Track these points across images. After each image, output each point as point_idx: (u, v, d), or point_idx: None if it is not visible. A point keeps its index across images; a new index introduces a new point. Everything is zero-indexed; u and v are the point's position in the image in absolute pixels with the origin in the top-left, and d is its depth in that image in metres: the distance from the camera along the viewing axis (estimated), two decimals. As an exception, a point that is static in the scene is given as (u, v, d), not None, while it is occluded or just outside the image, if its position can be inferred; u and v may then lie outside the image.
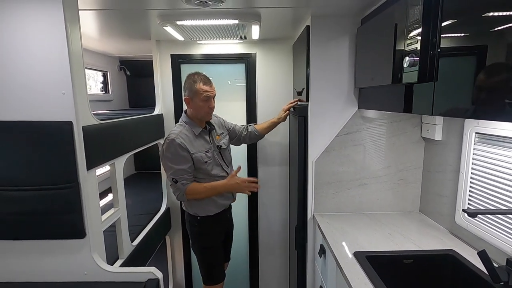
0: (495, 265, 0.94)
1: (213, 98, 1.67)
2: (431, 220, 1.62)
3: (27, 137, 1.17)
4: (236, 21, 1.57)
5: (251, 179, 1.71)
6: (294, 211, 2.04)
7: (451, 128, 1.45)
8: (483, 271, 1.12)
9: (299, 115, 1.77)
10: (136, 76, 3.33)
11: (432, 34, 0.94)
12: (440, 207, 1.55)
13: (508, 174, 1.13)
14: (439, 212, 1.57)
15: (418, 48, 0.97)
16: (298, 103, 1.91)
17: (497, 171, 1.18)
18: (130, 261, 1.66)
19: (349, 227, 1.58)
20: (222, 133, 1.87)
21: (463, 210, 1.01)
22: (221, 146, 1.79)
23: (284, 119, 2.00)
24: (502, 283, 1.00)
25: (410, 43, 1.02)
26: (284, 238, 2.55)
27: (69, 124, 1.16)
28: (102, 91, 3.01)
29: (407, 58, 1.01)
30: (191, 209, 1.73)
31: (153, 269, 1.30)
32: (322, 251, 1.57)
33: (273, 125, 2.01)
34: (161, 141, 2.31)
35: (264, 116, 2.38)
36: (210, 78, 1.67)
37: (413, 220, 1.64)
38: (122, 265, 1.57)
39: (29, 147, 1.17)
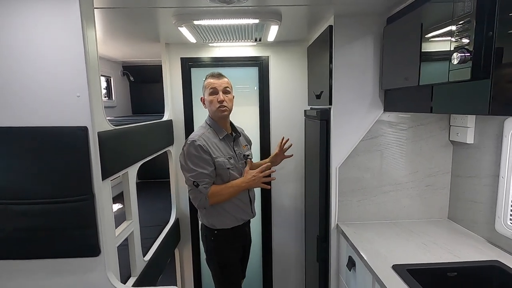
0: None
1: (223, 91, 1.55)
2: (463, 228, 1.54)
3: (37, 145, 1.05)
4: (257, 21, 1.49)
5: (264, 166, 1.56)
6: (313, 221, 1.94)
7: (485, 131, 1.38)
8: (537, 284, 1.04)
9: (320, 119, 1.69)
10: (139, 82, 3.23)
11: (487, 27, 0.87)
12: (474, 214, 1.47)
13: (560, 178, 1.06)
14: (473, 219, 1.48)
15: (471, 43, 0.90)
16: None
17: (545, 175, 1.11)
18: (143, 278, 1.54)
19: (378, 237, 1.48)
20: (247, 145, 1.77)
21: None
22: (248, 155, 1.69)
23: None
24: None
25: (459, 38, 0.94)
26: (300, 250, 2.43)
27: (84, 130, 1.06)
28: (105, 97, 2.89)
29: (456, 54, 0.94)
30: (208, 219, 1.59)
31: (174, 288, 1.18)
32: (352, 264, 1.46)
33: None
34: (171, 149, 2.20)
35: (277, 121, 2.29)
36: (222, 74, 1.60)
37: (443, 228, 1.56)
38: (135, 284, 1.45)
39: (40, 155, 1.06)
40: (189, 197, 1.56)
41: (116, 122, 1.80)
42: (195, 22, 1.50)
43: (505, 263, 1.18)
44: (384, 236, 1.48)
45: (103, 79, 2.81)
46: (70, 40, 1.04)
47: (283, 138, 1.87)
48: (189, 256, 2.40)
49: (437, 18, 1.05)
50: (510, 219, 1.25)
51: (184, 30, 1.66)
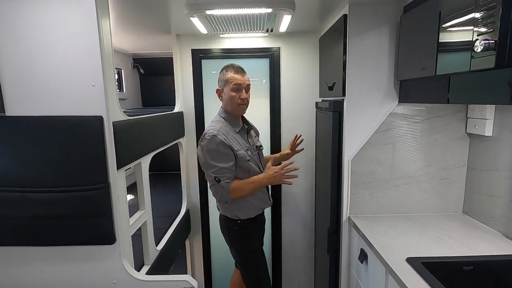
0: None
1: (246, 89, 1.54)
2: (479, 222, 1.51)
3: (53, 134, 1.07)
4: (270, 10, 1.47)
5: (287, 162, 1.55)
6: (324, 213, 1.93)
7: (506, 123, 1.34)
8: (557, 279, 1.01)
9: (333, 111, 1.67)
10: (149, 74, 3.24)
11: (515, 12, 0.83)
12: (491, 208, 1.44)
13: None
14: (489, 213, 1.45)
15: (496, 29, 0.86)
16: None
17: None
18: (156, 267, 1.56)
19: (392, 230, 1.46)
20: (256, 136, 1.78)
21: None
22: (260, 146, 1.70)
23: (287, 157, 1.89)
24: None
25: (483, 25, 0.91)
26: (310, 242, 2.44)
27: (99, 119, 1.07)
28: (117, 89, 2.91)
29: (480, 41, 0.90)
30: (231, 211, 1.59)
31: (187, 277, 1.20)
32: (364, 256, 1.45)
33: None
34: (182, 140, 2.21)
35: (288, 113, 2.28)
36: (244, 69, 1.57)
37: (459, 222, 1.53)
38: (148, 272, 1.47)
39: (56, 144, 1.07)
40: (208, 189, 1.58)
41: (128, 113, 1.82)
42: (207, 12, 1.48)
43: (523, 258, 1.15)
44: (397, 229, 1.47)
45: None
46: (85, 30, 1.04)
47: (296, 136, 1.87)
48: (199, 247, 2.43)
49: (459, 5, 1.01)
50: (530, 213, 1.22)
51: (195, 21, 1.65)
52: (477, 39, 0.92)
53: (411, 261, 1.16)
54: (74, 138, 1.08)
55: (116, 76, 2.86)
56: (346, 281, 1.75)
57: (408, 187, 1.64)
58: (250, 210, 1.60)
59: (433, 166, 1.62)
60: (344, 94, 1.59)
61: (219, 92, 1.58)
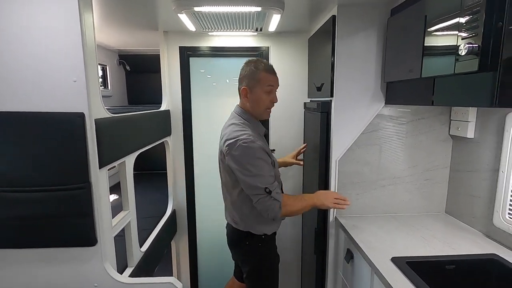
0: None
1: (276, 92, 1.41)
2: (461, 222, 1.55)
3: (33, 131, 1.02)
4: (259, 9, 1.46)
5: (343, 197, 1.42)
6: (311, 214, 1.94)
7: (487, 125, 1.38)
8: (534, 277, 1.05)
9: (321, 111, 1.67)
10: (136, 71, 3.17)
11: (497, 18, 0.86)
12: (472, 208, 1.48)
13: (561, 173, 1.06)
14: (471, 213, 1.49)
15: (479, 34, 0.88)
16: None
17: (546, 169, 1.11)
18: (140, 269, 1.52)
19: (378, 230, 1.48)
20: None
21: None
22: (273, 150, 1.66)
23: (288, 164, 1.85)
24: None
25: (467, 28, 0.93)
26: (297, 243, 2.44)
27: (80, 116, 1.03)
28: (101, 86, 2.83)
29: (464, 45, 0.92)
30: (256, 228, 1.42)
31: (172, 279, 1.17)
32: (350, 256, 1.46)
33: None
34: (168, 139, 2.17)
35: (276, 113, 2.26)
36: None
37: (442, 222, 1.56)
38: (132, 274, 1.43)
39: (35, 141, 1.02)
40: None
41: (113, 111, 1.77)
42: (196, 9, 1.46)
43: (502, 257, 1.18)
44: (382, 229, 1.48)
45: (99, 67, 2.75)
46: (67, 24, 1.00)
47: (304, 145, 1.87)
48: (185, 248, 2.39)
49: (444, 9, 1.03)
50: (509, 213, 1.26)
51: (183, 17, 1.62)
52: (461, 43, 0.94)
53: (396, 260, 1.18)
54: (54, 135, 1.03)
55: (101, 73, 2.78)
56: (333, 281, 1.76)
57: (394, 187, 1.67)
58: (275, 224, 1.48)
59: (417, 167, 1.65)
60: (332, 95, 1.60)
61: (245, 92, 1.37)
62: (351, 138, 1.62)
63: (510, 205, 1.25)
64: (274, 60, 2.20)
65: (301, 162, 1.89)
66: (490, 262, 1.19)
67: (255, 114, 1.41)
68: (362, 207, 1.67)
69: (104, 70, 2.82)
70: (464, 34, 0.94)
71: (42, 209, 1.04)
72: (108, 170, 1.20)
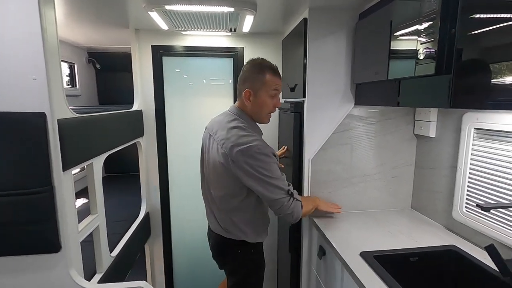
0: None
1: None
2: (425, 217, 1.64)
3: (-13, 131, 0.95)
4: (231, 9, 1.46)
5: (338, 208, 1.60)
6: (286, 212, 1.96)
7: (446, 125, 1.47)
8: (486, 265, 1.13)
9: (294, 112, 1.71)
10: (106, 70, 3.05)
11: (451, 26, 0.92)
12: (434, 203, 1.57)
13: (507, 168, 1.15)
14: (433, 208, 1.58)
15: (435, 39, 0.94)
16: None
17: (496, 165, 1.21)
18: (110, 275, 1.47)
19: (348, 226, 1.53)
20: None
21: (477, 205, 1.00)
22: None
23: None
24: (510, 276, 1.01)
25: (425, 34, 0.99)
26: (273, 241, 2.46)
27: (42, 116, 0.97)
28: (68, 85, 2.70)
29: (422, 49, 0.98)
30: (251, 236, 1.37)
31: (143, 283, 1.14)
32: (322, 253, 1.50)
33: None
34: (141, 140, 2.11)
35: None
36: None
37: (408, 217, 1.65)
38: (101, 280, 1.38)
39: (-10, 143, 0.95)
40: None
41: (80, 111, 1.69)
42: (167, 7, 1.43)
43: (460, 248, 1.27)
44: (353, 226, 1.54)
45: (65, 65, 2.62)
46: (25, 19, 0.94)
47: (284, 148, 1.86)
48: (160, 251, 2.34)
49: (406, 16, 1.09)
50: (466, 207, 1.35)
51: (155, 15, 1.59)
52: (420, 48, 1.00)
53: (364, 255, 1.23)
54: (12, 136, 0.97)
55: (68, 71, 2.65)
56: (307, 277, 1.80)
57: (364, 185, 1.74)
58: (265, 230, 1.46)
59: (385, 165, 1.73)
60: (304, 96, 1.64)
61: (248, 95, 1.29)
62: (323, 138, 1.66)
63: (467, 199, 1.35)
64: (249, 60, 2.21)
65: (282, 165, 1.86)
66: (449, 253, 1.27)
67: (255, 117, 1.35)
68: (334, 205, 1.72)
69: (71, 68, 2.69)
70: (422, 40, 1.00)
71: (2, 215, 0.97)
72: (78, 172, 1.15)
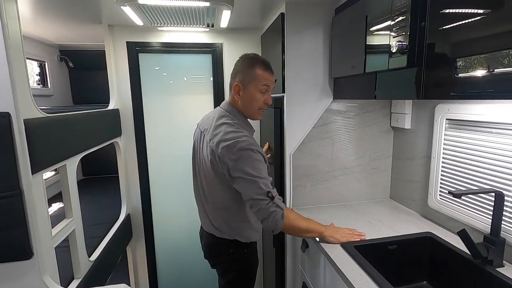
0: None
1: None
2: (403, 206, 1.69)
3: None
4: (207, 4, 1.43)
5: (358, 232, 1.34)
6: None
7: (420, 117, 1.52)
8: (460, 249, 1.19)
9: (274, 107, 1.71)
10: (80, 68, 2.93)
11: (421, 20, 0.95)
12: (411, 193, 1.63)
13: (477, 156, 1.21)
14: (410, 197, 1.64)
15: (407, 33, 0.97)
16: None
17: (466, 154, 1.26)
18: (89, 280, 1.42)
19: (330, 218, 1.56)
20: None
21: (449, 192, 1.04)
22: None
23: None
24: (481, 258, 1.07)
25: (398, 27, 1.01)
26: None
27: (5, 116, 0.92)
28: (39, 84, 2.57)
29: (395, 42, 1.00)
30: (244, 235, 1.33)
31: (123, 286, 1.11)
32: (306, 246, 1.52)
33: None
34: (118, 140, 2.05)
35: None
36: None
37: (387, 207, 1.70)
38: (79, 286, 1.33)
39: None
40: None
41: (51, 111, 1.61)
42: (140, 1, 1.39)
43: (436, 234, 1.32)
44: (335, 218, 1.56)
45: (35, 64, 2.49)
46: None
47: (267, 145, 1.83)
48: (142, 253, 2.29)
49: (378, 12, 1.11)
50: (440, 195, 1.41)
51: (128, 10, 1.53)
52: (393, 41, 1.02)
53: (345, 246, 1.25)
54: (-27, 139, 0.91)
55: (38, 70, 2.52)
56: (292, 271, 1.82)
57: (345, 177, 1.77)
58: (259, 230, 1.41)
59: (364, 157, 1.77)
60: (284, 91, 1.64)
61: (238, 89, 1.25)
62: (303, 132, 1.68)
63: (440, 187, 1.40)
64: (228, 57, 2.19)
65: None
66: (425, 240, 1.32)
67: (246, 113, 1.30)
68: (315, 198, 1.75)
69: (42, 67, 2.56)
70: (394, 34, 1.02)
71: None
72: (54, 175, 1.09)
